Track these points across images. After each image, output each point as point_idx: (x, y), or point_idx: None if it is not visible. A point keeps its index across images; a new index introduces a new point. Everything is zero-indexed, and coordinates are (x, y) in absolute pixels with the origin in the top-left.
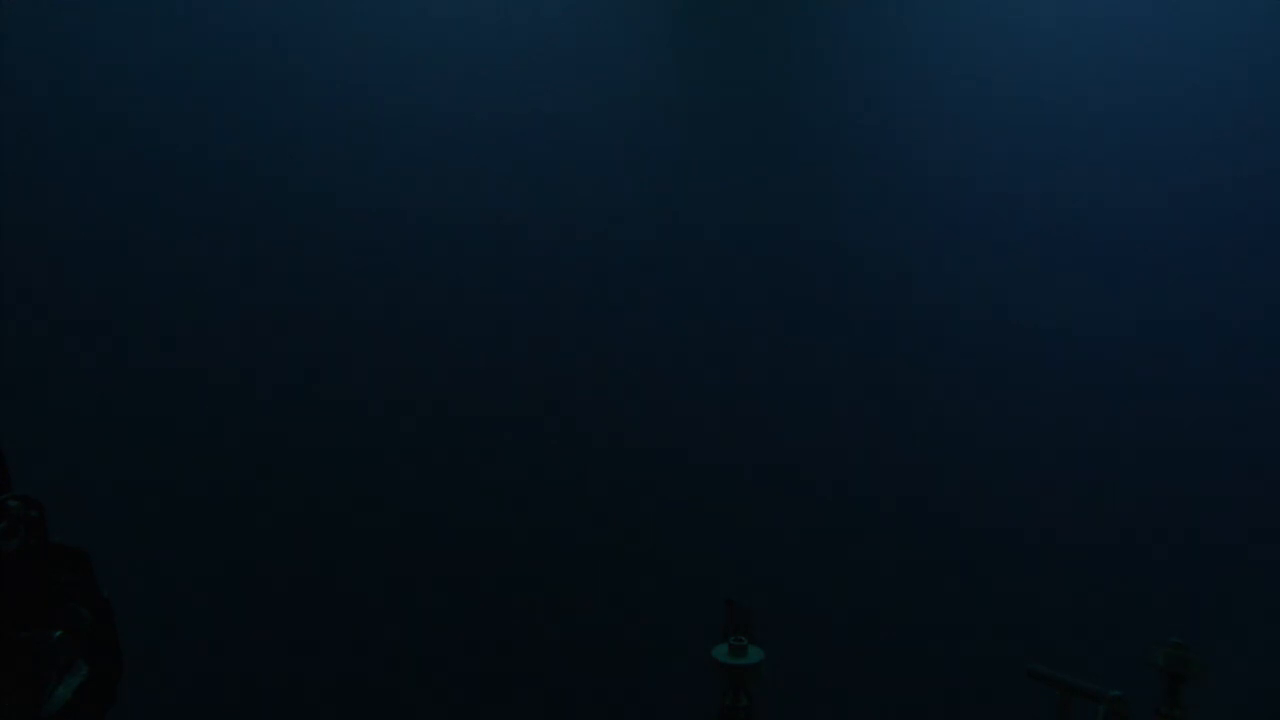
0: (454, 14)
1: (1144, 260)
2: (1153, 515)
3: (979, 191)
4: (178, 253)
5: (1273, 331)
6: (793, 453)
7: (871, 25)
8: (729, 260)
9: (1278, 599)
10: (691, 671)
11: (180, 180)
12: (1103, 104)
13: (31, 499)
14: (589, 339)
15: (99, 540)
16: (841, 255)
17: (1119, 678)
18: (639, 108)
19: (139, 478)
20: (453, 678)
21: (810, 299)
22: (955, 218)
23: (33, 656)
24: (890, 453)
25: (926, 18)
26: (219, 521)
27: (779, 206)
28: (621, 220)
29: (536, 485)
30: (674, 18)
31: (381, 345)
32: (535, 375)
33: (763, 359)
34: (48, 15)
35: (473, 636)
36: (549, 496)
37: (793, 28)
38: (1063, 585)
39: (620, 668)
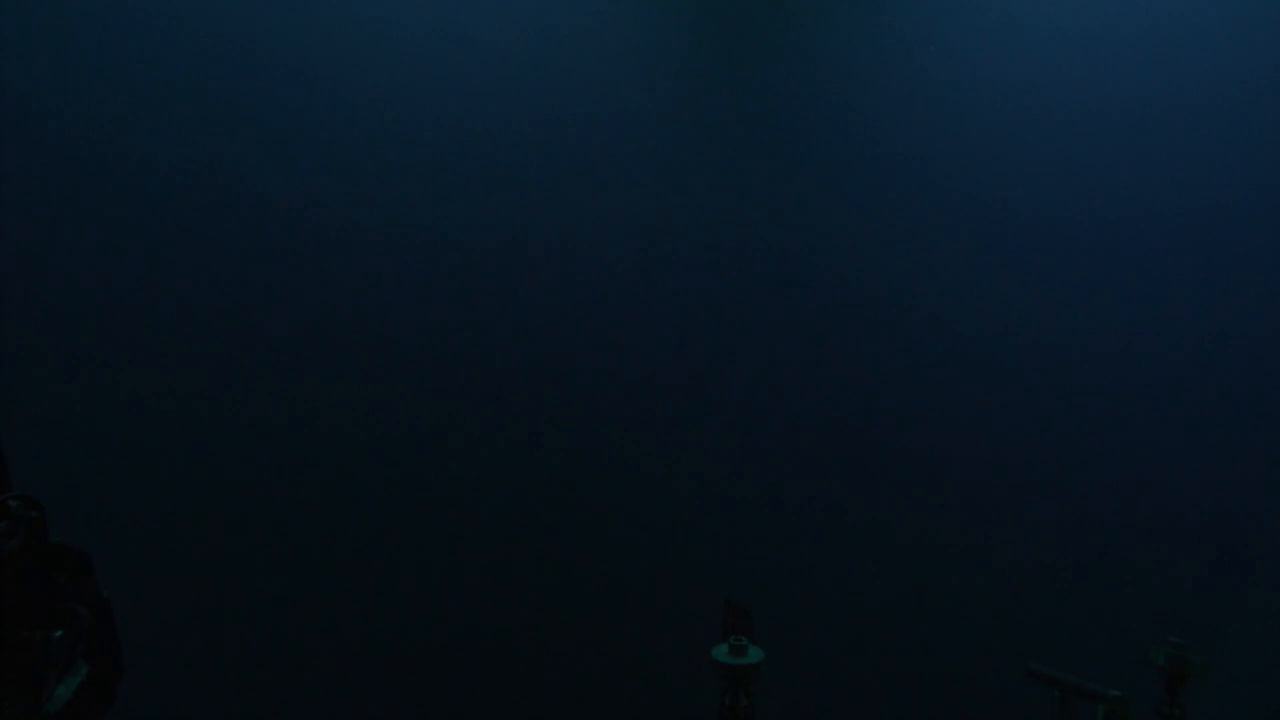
0: (455, 28)
1: (1147, 267)
2: (1152, 516)
3: (990, 205)
4: (179, 257)
5: (1271, 334)
6: (794, 456)
7: (881, 38)
8: (734, 269)
9: (1278, 599)
10: (691, 671)
11: (186, 186)
12: (1103, 113)
13: (31, 499)
14: (594, 348)
15: (99, 540)
16: (852, 266)
17: (1119, 678)
18: (644, 118)
19: (139, 478)
20: (454, 678)
21: (814, 309)
22: (959, 229)
23: (33, 656)
24: (891, 455)
25: (935, 31)
26: (219, 522)
27: (779, 222)
28: (624, 230)
29: (538, 488)
30: (683, 31)
31: (382, 348)
32: (541, 381)
33: (767, 364)
34: (48, 21)
35: (474, 637)
36: (551, 499)
37: (800, 42)
38: (1063, 586)
39: (620, 668)
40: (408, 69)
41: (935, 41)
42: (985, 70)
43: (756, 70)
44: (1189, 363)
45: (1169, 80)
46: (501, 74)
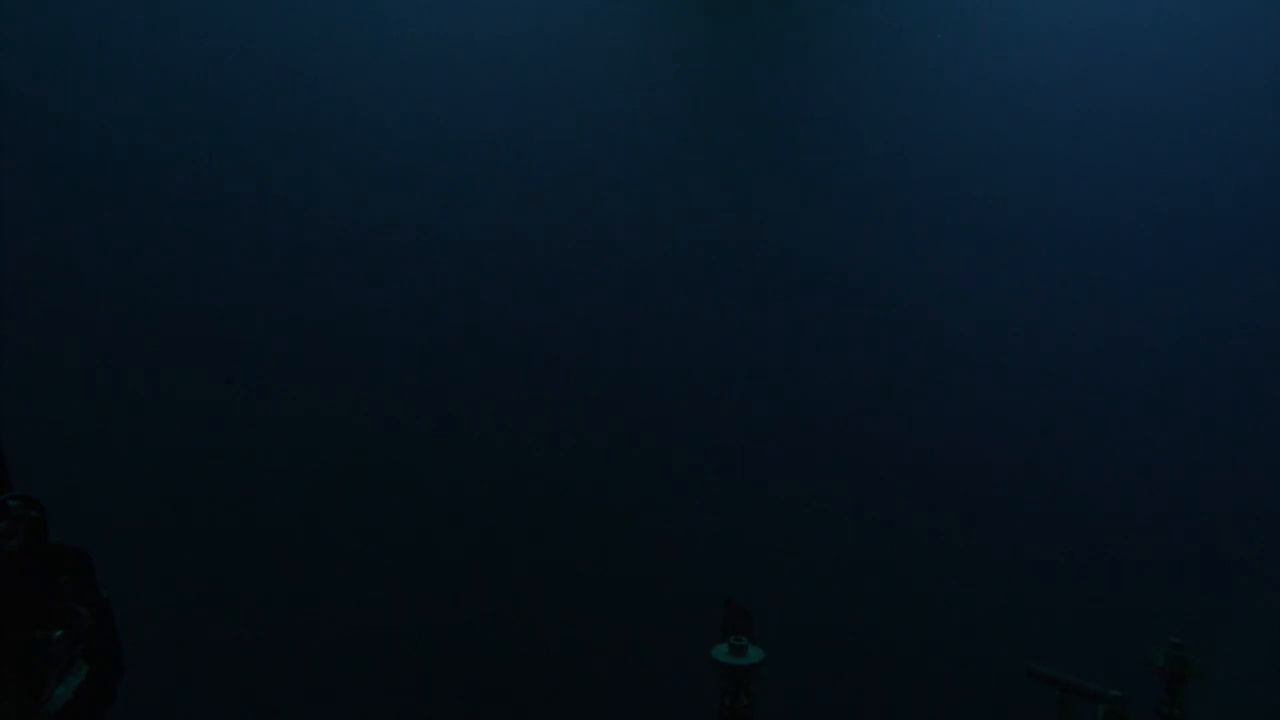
0: (454, 27)
1: (1147, 266)
2: (1152, 516)
3: (991, 204)
4: (179, 256)
5: (1271, 334)
6: (794, 456)
7: (882, 38)
8: (733, 268)
9: (1278, 599)
10: (691, 671)
11: (185, 186)
12: (1103, 113)
13: (31, 499)
14: (594, 347)
15: (99, 540)
16: (852, 265)
17: (1119, 678)
18: (644, 118)
19: (139, 478)
20: (454, 678)
21: (814, 308)
22: (960, 227)
23: (33, 656)
24: (891, 455)
25: (936, 30)
26: (219, 521)
27: (780, 221)
28: (624, 230)
29: (538, 488)
30: (683, 31)
31: (380, 347)
32: (540, 381)
33: (767, 363)
34: (48, 21)
35: (474, 637)
36: (550, 499)
37: (801, 41)
38: (1063, 585)
39: (620, 668)
40: (406, 68)
41: (936, 40)
42: (987, 70)
43: (756, 70)
44: (1189, 362)
45: (1169, 80)
46: (500, 73)
